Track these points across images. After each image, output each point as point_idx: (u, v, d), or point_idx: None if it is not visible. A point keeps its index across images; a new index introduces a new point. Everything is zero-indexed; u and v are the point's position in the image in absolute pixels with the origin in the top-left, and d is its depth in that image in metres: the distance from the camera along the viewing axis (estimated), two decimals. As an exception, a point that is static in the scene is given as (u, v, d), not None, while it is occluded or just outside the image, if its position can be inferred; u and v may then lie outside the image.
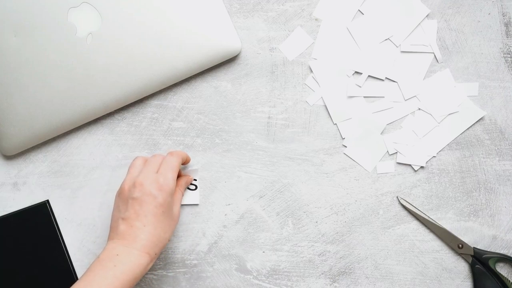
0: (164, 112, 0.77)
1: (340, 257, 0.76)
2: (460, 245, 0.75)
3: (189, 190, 0.76)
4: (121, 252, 0.63)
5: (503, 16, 0.76)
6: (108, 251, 0.64)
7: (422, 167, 0.76)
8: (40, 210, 0.76)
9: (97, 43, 0.74)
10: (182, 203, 0.75)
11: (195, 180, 0.76)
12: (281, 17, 0.77)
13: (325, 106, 0.77)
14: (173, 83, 0.76)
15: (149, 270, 0.76)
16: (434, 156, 0.76)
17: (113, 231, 0.66)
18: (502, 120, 0.76)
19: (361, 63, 0.76)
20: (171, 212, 0.67)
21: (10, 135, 0.75)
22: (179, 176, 0.74)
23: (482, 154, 0.76)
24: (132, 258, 0.63)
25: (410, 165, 0.76)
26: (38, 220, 0.76)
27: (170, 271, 0.77)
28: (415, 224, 0.76)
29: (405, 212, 0.76)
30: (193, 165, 0.77)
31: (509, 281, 0.74)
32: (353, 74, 0.77)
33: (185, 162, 0.74)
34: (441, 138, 0.76)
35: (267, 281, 0.76)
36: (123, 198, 0.66)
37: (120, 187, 0.68)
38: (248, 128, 0.77)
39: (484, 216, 0.76)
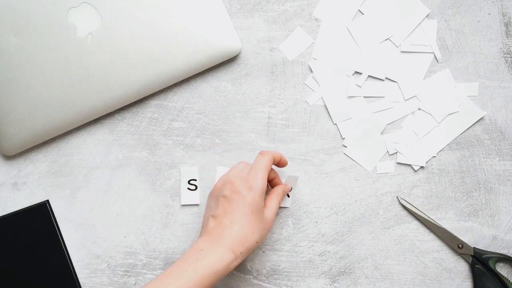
0: (164, 112, 0.77)
1: (340, 257, 0.76)
2: (460, 245, 0.75)
3: None
4: (205, 248, 0.64)
5: (503, 16, 0.76)
6: (194, 247, 0.64)
7: (422, 167, 0.76)
8: (40, 210, 0.76)
9: (97, 43, 0.74)
10: None
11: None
12: (281, 17, 0.77)
13: (325, 106, 0.77)
14: (173, 83, 0.76)
15: (149, 271, 0.76)
16: (434, 156, 0.76)
17: (203, 228, 0.67)
18: (502, 120, 0.76)
19: (361, 63, 0.76)
20: (261, 214, 0.66)
21: (10, 135, 0.75)
22: (277, 183, 0.73)
23: (482, 154, 0.76)
24: (215, 254, 0.63)
25: (410, 165, 0.76)
26: (38, 220, 0.76)
27: (170, 271, 0.76)
28: (415, 224, 0.76)
29: (405, 212, 0.76)
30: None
31: (509, 281, 0.74)
32: (353, 74, 0.77)
33: (280, 163, 0.71)
34: (441, 138, 0.76)
35: (267, 281, 0.76)
36: (215, 196, 0.67)
37: (214, 185, 0.68)
38: (248, 128, 0.77)
39: (484, 216, 0.76)
